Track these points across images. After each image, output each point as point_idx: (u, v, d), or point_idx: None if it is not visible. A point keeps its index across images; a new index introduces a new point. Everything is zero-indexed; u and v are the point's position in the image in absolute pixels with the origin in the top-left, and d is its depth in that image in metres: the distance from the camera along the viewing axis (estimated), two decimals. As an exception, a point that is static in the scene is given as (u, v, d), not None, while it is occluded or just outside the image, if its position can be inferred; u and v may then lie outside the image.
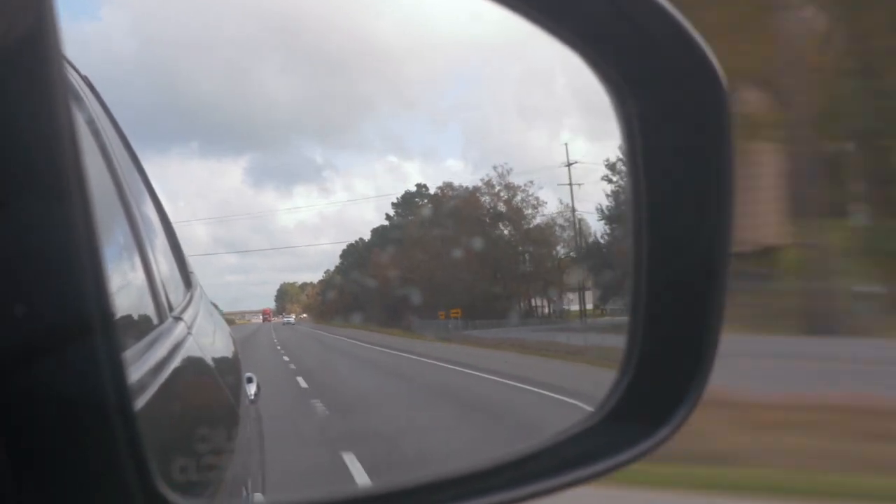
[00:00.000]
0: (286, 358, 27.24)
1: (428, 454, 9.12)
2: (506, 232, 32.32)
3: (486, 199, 34.22)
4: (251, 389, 2.88)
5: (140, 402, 1.02)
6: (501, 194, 32.95)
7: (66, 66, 0.79)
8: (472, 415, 13.62)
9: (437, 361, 23.66)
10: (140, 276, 1.66)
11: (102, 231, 0.84)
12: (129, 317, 1.38)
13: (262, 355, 28.18)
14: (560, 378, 14.55)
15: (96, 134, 1.64)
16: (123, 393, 0.80)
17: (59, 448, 0.77)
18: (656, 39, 1.36)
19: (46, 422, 0.77)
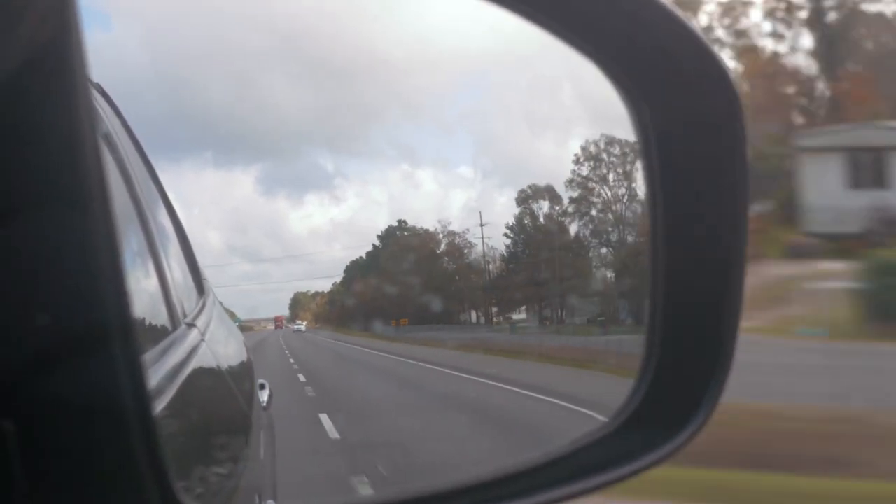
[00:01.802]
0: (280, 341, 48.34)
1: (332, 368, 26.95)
2: (446, 265, 46.50)
3: (433, 241, 48.88)
4: (264, 396, 2.88)
5: (154, 410, 1.02)
6: (443, 239, 47.76)
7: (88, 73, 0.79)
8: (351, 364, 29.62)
9: (367, 349, 37.64)
10: (154, 282, 1.66)
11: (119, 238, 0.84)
12: (142, 323, 1.38)
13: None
14: (424, 354, 27.50)
15: (111, 142, 1.64)
16: (143, 400, 0.80)
17: (77, 454, 0.77)
18: (670, 47, 1.36)
19: (66, 428, 0.77)
